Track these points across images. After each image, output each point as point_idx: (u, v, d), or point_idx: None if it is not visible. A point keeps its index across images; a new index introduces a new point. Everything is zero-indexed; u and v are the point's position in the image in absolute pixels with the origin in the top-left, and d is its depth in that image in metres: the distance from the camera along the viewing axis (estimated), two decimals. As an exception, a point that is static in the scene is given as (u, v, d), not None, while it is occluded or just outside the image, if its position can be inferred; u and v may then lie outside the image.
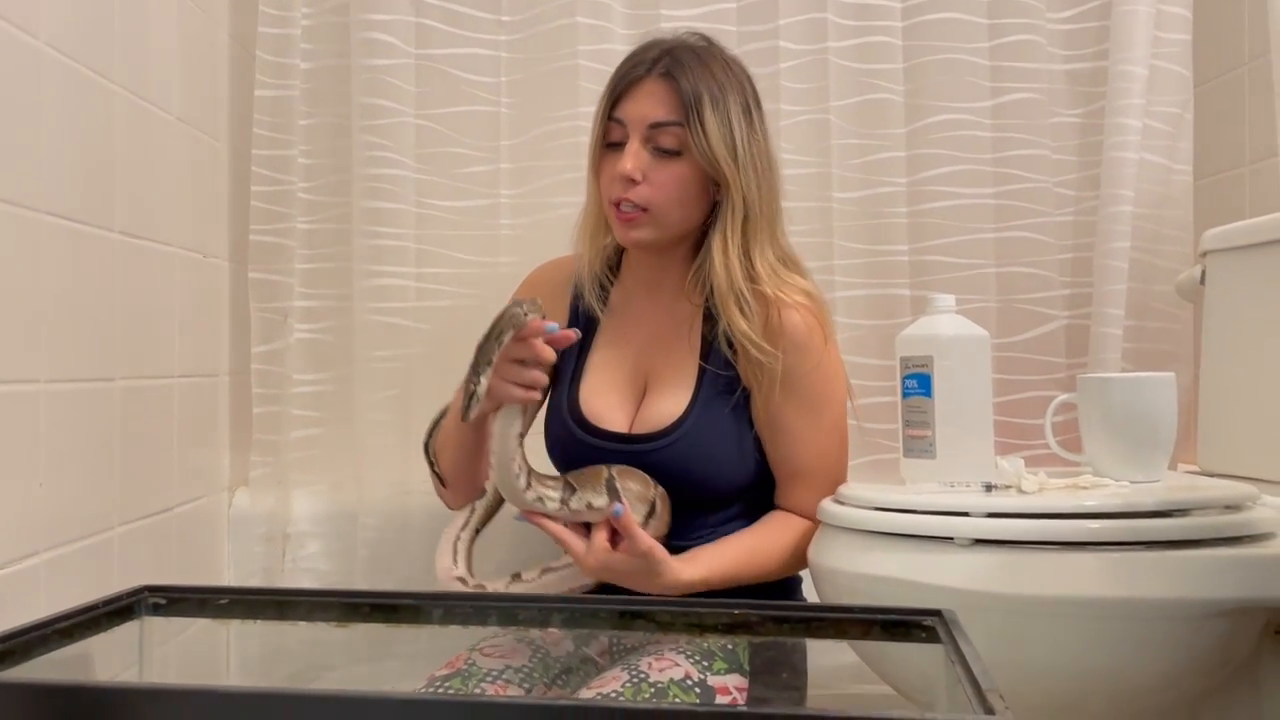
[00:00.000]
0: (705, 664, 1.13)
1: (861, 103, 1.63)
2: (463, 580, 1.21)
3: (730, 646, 1.16)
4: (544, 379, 1.12)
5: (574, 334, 1.14)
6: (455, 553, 1.23)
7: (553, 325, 1.10)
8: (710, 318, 1.25)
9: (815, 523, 1.22)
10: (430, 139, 1.63)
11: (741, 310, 1.20)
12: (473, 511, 1.27)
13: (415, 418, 1.56)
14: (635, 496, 1.16)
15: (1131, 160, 1.59)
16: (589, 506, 1.14)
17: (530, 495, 1.12)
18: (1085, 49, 1.69)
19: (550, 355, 1.11)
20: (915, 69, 1.65)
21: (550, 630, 1.19)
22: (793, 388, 1.22)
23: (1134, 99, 1.59)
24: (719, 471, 1.24)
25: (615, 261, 1.35)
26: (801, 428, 1.24)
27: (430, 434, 1.32)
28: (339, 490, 1.61)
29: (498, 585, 1.21)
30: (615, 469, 1.17)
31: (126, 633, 0.95)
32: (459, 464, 1.26)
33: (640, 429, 1.24)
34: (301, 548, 1.60)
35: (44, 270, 1.08)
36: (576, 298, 1.33)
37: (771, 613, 0.93)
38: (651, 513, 1.18)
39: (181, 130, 1.45)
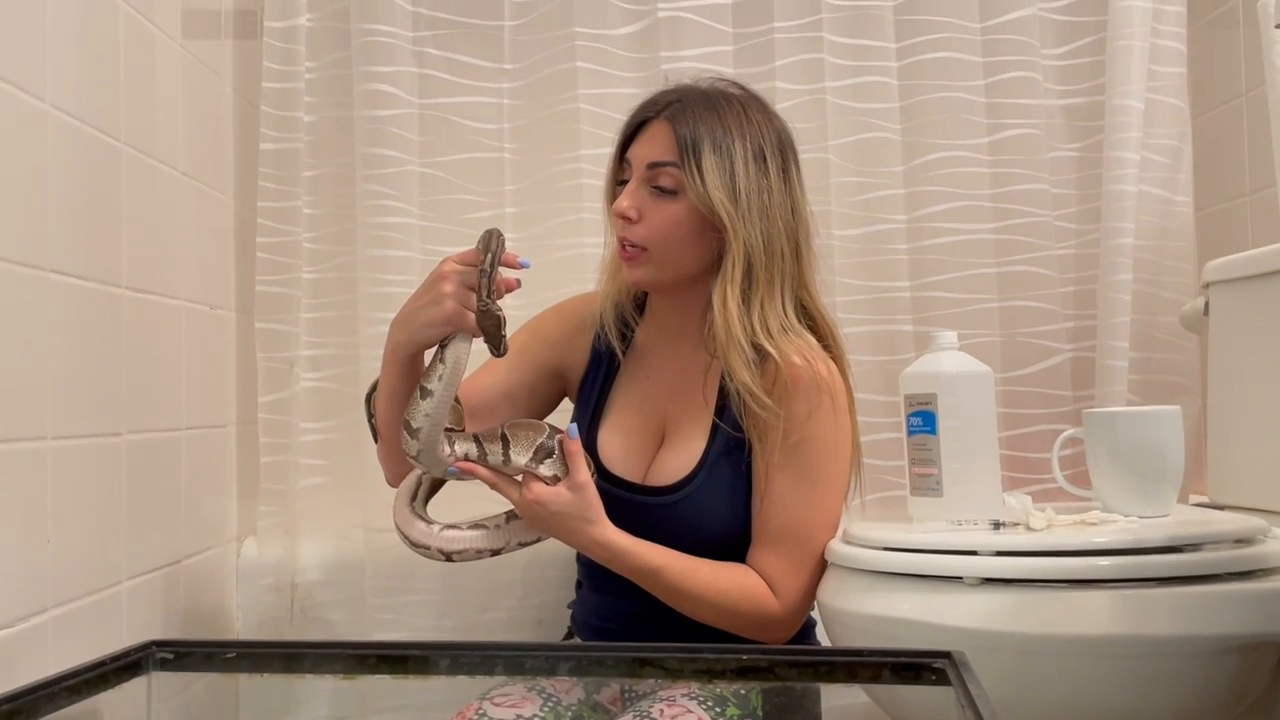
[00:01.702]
0: (718, 710, 1.12)
1: (859, 141, 1.64)
2: (456, 526, 1.20)
3: (743, 691, 1.15)
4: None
5: (514, 283, 1.12)
6: (421, 516, 1.23)
7: (526, 260, 1.11)
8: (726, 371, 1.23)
9: (772, 592, 1.19)
10: (434, 186, 1.65)
11: (744, 362, 1.18)
12: (420, 483, 1.26)
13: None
14: (540, 449, 1.14)
15: (1131, 193, 1.60)
16: (506, 461, 1.13)
17: (441, 448, 1.11)
18: (1081, 84, 1.70)
19: (505, 291, 1.11)
20: (912, 108, 1.66)
21: (560, 679, 1.19)
22: (788, 454, 1.19)
23: (1132, 132, 1.60)
24: (721, 530, 1.22)
25: (642, 302, 1.35)
26: (784, 493, 1.20)
27: (373, 388, 1.26)
28: (347, 539, 1.61)
29: (498, 520, 1.21)
30: (507, 426, 1.15)
31: (134, 689, 0.95)
32: (388, 412, 1.20)
33: (651, 480, 1.24)
34: (310, 597, 1.60)
35: (51, 327, 1.09)
36: (599, 335, 1.33)
37: (781, 657, 0.92)
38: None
39: (187, 185, 1.46)
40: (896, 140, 1.65)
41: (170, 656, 0.96)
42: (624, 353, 1.31)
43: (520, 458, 1.12)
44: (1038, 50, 1.67)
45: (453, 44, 1.67)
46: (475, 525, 1.21)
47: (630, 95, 1.63)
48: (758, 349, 1.19)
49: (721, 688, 1.13)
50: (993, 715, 0.70)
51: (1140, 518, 1.18)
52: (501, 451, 1.13)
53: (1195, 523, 1.15)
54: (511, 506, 1.21)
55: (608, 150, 1.59)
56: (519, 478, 1.15)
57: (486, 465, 1.14)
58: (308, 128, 1.63)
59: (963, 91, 1.65)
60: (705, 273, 1.23)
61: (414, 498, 1.25)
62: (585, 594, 1.34)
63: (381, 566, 1.56)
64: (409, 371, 1.16)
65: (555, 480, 1.12)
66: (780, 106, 1.62)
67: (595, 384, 1.32)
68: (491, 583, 1.56)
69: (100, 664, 0.90)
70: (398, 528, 1.24)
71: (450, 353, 1.09)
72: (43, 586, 1.08)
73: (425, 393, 1.08)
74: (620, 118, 1.61)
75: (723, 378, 1.23)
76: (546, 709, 1.16)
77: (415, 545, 1.22)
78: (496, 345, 1.07)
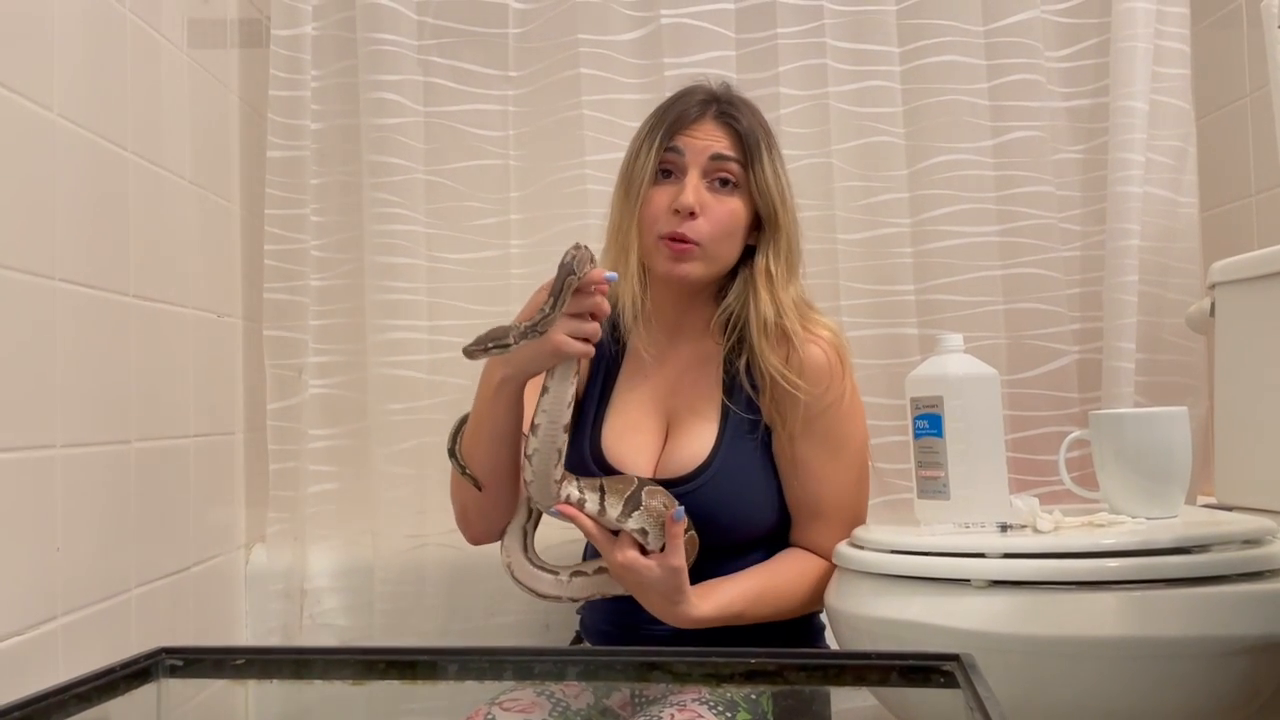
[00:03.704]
0: (729, 715, 1.12)
1: (863, 146, 1.65)
2: (582, 572, 1.21)
3: (753, 695, 1.15)
4: (600, 332, 1.11)
5: (605, 308, 1.11)
6: (544, 567, 1.22)
7: (612, 275, 1.11)
8: (731, 356, 1.26)
9: (831, 563, 1.21)
10: (440, 194, 1.65)
11: (773, 345, 1.22)
12: (525, 532, 1.24)
13: (430, 470, 1.57)
14: (655, 516, 1.14)
15: (1136, 194, 1.60)
16: (602, 512, 1.13)
17: (555, 489, 1.12)
18: (1085, 86, 1.70)
19: (608, 309, 1.10)
20: (915, 111, 1.66)
21: (569, 683, 1.19)
22: (811, 425, 1.23)
23: (1136, 134, 1.60)
24: (746, 515, 1.24)
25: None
26: (820, 466, 1.24)
27: (454, 439, 1.24)
28: (355, 544, 1.61)
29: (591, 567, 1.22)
30: (647, 486, 1.16)
31: (144, 696, 0.95)
32: (495, 455, 1.19)
33: (665, 473, 1.24)
34: (319, 603, 1.60)
35: (59, 336, 1.10)
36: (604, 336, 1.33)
37: (789, 660, 0.92)
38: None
39: (194, 193, 1.47)
40: (900, 144, 1.65)
41: (180, 663, 0.96)
42: (623, 352, 1.32)
43: (613, 510, 1.13)
44: (1041, 53, 1.68)
45: (457, 52, 1.68)
46: (600, 569, 1.20)
47: (634, 101, 1.64)
48: (781, 329, 1.23)
49: (732, 692, 1.13)
50: (1002, 717, 0.70)
51: (1148, 519, 1.18)
52: (599, 502, 1.14)
53: (1203, 524, 1.15)
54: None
55: (612, 156, 1.60)
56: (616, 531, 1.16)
57: (584, 512, 1.14)
58: (314, 135, 1.64)
59: (966, 95, 1.65)
60: (733, 265, 1.27)
61: (526, 548, 1.23)
62: (593, 598, 1.34)
63: (390, 572, 1.57)
64: (516, 407, 1.17)
65: (643, 534, 1.13)
66: (783, 111, 1.63)
67: (597, 383, 1.32)
68: (499, 588, 1.56)
69: (110, 671, 0.90)
70: (520, 582, 1.22)
71: (554, 384, 1.10)
72: (52, 594, 1.08)
73: (533, 427, 1.11)
74: (624, 123, 1.62)
75: (726, 364, 1.26)
76: (555, 714, 1.16)
77: (543, 597, 1.22)
78: (473, 345, 1.06)
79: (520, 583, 1.22)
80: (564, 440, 1.11)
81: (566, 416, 1.11)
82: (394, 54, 1.61)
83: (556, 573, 1.21)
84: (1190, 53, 1.67)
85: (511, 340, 1.05)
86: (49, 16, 1.10)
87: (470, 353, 1.05)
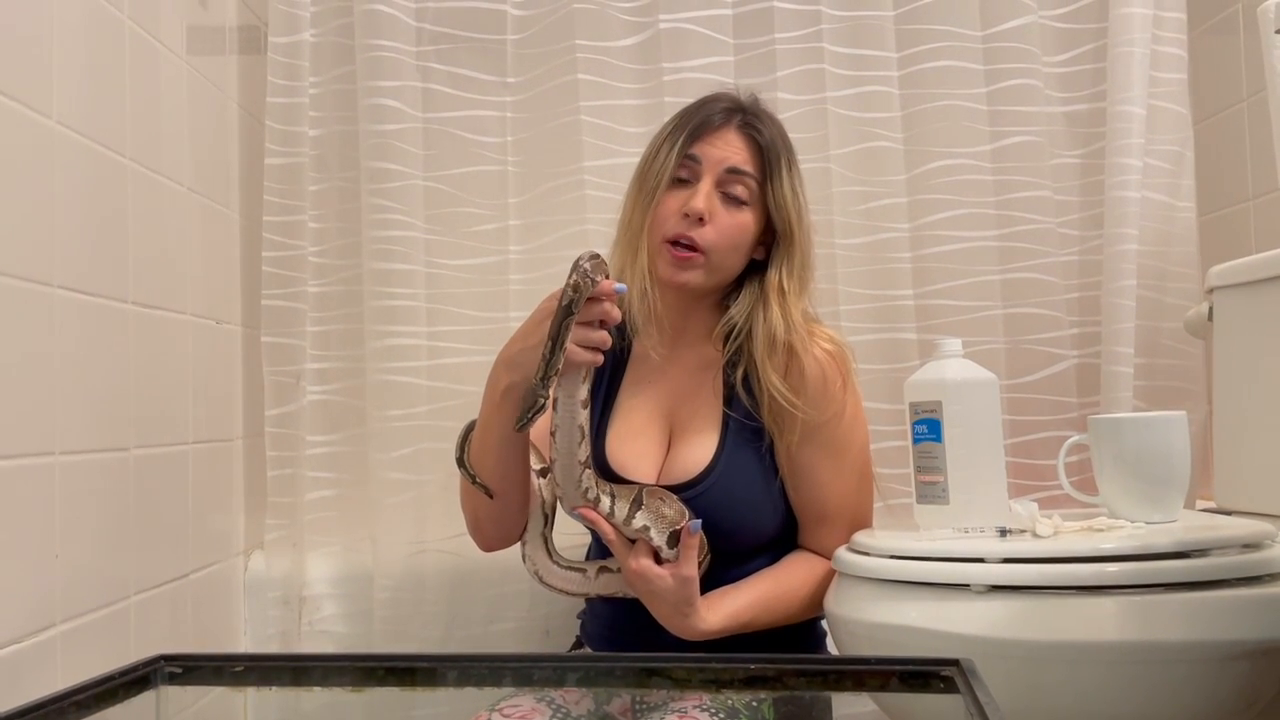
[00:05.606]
0: (728, 720, 1.12)
1: (861, 150, 1.65)
2: (607, 568, 1.22)
3: (755, 702, 1.15)
4: (609, 340, 1.10)
5: (616, 316, 1.11)
6: (571, 566, 1.23)
7: (621, 286, 1.09)
8: (729, 366, 1.26)
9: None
10: (439, 200, 1.65)
11: (777, 360, 1.22)
12: (544, 537, 1.24)
13: (430, 476, 1.57)
14: (655, 513, 1.14)
15: (1134, 199, 1.60)
16: (611, 515, 1.14)
17: (579, 471, 1.12)
18: (1083, 91, 1.71)
19: (618, 316, 1.10)
20: (913, 116, 1.67)
21: (570, 689, 1.18)
22: (815, 434, 1.23)
23: (1133, 138, 1.61)
24: (749, 520, 1.24)
25: None
26: (824, 472, 1.24)
27: (462, 448, 1.24)
28: (354, 551, 1.61)
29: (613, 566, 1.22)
30: (647, 489, 1.16)
31: (143, 703, 0.95)
32: (504, 461, 1.19)
33: (668, 479, 1.24)
34: (317, 610, 1.60)
35: (58, 343, 1.10)
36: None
37: (789, 666, 0.92)
38: (675, 542, 1.16)
39: (193, 200, 1.47)
40: (898, 149, 1.66)
41: (179, 670, 0.96)
42: (626, 358, 1.32)
43: (621, 512, 1.14)
44: (1039, 58, 1.68)
45: (456, 58, 1.68)
46: (615, 570, 1.21)
47: (632, 106, 1.64)
48: (788, 345, 1.22)
49: (733, 699, 1.13)
50: (1001, 722, 0.70)
51: (1147, 524, 1.18)
52: (610, 505, 1.14)
53: (1202, 528, 1.15)
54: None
55: (610, 161, 1.61)
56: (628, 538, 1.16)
57: (599, 513, 1.15)
58: (312, 142, 1.64)
59: (964, 99, 1.66)
60: (734, 278, 1.27)
61: (550, 553, 1.23)
62: (594, 604, 1.34)
63: (389, 579, 1.56)
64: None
65: (645, 531, 1.13)
66: (782, 117, 1.61)
67: (600, 390, 1.32)
68: (499, 594, 1.57)
69: (109, 678, 0.90)
70: (549, 585, 1.23)
71: (562, 393, 1.10)
72: (51, 601, 1.08)
73: (552, 438, 1.12)
74: (623, 129, 1.63)
75: (725, 370, 1.26)
76: (555, 720, 1.16)
77: (570, 594, 1.24)
78: (519, 421, 1.06)
79: (550, 586, 1.23)
80: (584, 417, 1.12)
81: (583, 392, 1.11)
82: (392, 60, 1.61)
83: (583, 570, 1.23)
84: (1187, 58, 1.67)
85: (541, 399, 1.06)
86: (48, 23, 1.10)
87: (520, 428, 1.07)
